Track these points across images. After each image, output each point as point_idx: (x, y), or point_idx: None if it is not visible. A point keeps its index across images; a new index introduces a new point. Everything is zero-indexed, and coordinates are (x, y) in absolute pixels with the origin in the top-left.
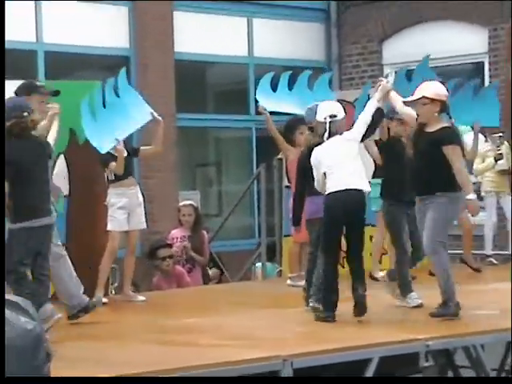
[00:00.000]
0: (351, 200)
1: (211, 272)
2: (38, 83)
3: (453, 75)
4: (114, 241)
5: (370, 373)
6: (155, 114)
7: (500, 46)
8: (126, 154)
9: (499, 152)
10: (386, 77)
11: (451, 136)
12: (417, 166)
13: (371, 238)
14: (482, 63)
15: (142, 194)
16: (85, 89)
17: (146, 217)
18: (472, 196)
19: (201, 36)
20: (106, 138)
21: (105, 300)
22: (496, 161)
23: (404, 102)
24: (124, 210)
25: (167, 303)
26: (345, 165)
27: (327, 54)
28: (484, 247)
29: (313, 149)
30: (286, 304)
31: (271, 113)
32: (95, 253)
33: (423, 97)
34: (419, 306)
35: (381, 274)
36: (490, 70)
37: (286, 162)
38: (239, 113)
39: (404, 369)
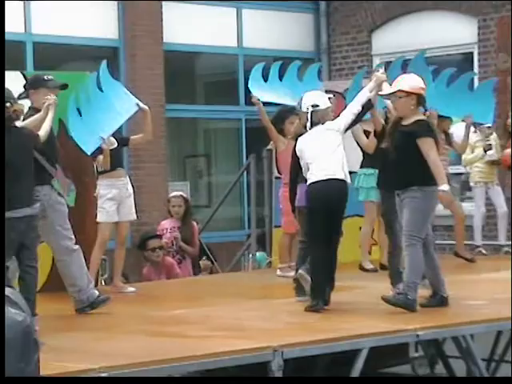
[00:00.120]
0: (331, 190)
1: (202, 263)
2: (45, 77)
3: (442, 65)
4: (104, 232)
5: (359, 363)
6: (141, 105)
7: (489, 37)
8: (115, 144)
9: (488, 143)
10: (378, 70)
11: (425, 129)
12: (392, 160)
13: (360, 228)
14: (472, 53)
15: (132, 185)
16: (74, 80)
17: (135, 208)
18: (445, 187)
19: (190, 27)
20: (91, 138)
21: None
22: (485, 151)
23: (381, 95)
24: (113, 201)
25: (157, 294)
26: (325, 155)
27: (317, 44)
28: (473, 238)
29: None
30: (276, 295)
31: (263, 103)
32: (85, 244)
33: (399, 90)
34: None
35: (370, 266)
36: (479, 60)
37: (275, 152)
38: (229, 103)
39: (394, 359)
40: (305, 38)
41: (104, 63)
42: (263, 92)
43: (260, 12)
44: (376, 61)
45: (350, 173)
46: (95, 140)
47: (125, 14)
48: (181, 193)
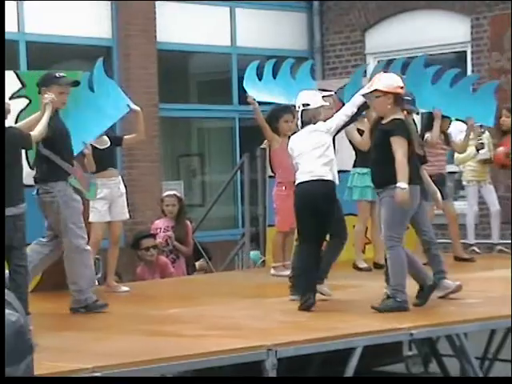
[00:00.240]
0: (316, 191)
1: (198, 263)
2: (57, 74)
3: (435, 64)
4: (96, 232)
5: (354, 362)
6: (132, 106)
7: (483, 36)
8: (108, 143)
9: (480, 142)
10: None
11: (398, 127)
12: (372, 159)
13: (354, 227)
14: (465, 52)
15: (125, 185)
16: None
17: (128, 207)
18: (403, 185)
19: (184, 26)
20: (75, 142)
21: None
22: (477, 150)
23: (362, 95)
24: (105, 200)
25: (151, 294)
26: (311, 155)
27: (310, 43)
28: (466, 236)
29: None
30: (270, 294)
31: (258, 103)
32: None
33: (375, 90)
34: None
35: (364, 264)
36: (472, 59)
37: (269, 151)
38: (222, 103)
39: (388, 358)
40: (298, 37)
41: (100, 61)
42: (258, 91)
43: (253, 11)
44: (369, 60)
45: (344, 171)
46: (78, 145)
47: (118, 14)
48: (174, 192)
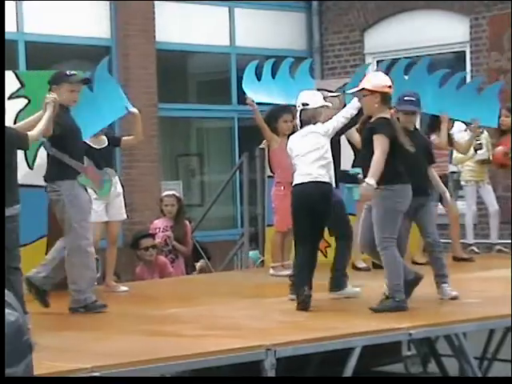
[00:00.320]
0: (312, 192)
1: (198, 264)
2: (68, 72)
3: (434, 64)
4: (94, 232)
5: (352, 361)
6: (131, 109)
7: (482, 36)
8: (105, 143)
9: (479, 142)
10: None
11: (380, 126)
12: (360, 157)
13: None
14: (464, 52)
15: (124, 185)
16: None
17: (126, 207)
18: (371, 181)
19: (183, 26)
20: None
21: None
22: (476, 150)
23: (352, 94)
24: (101, 200)
25: (150, 294)
26: (307, 156)
27: (309, 43)
28: (465, 236)
29: None
30: (268, 294)
31: (257, 103)
32: None
33: (363, 89)
34: None
35: (363, 264)
36: (471, 59)
37: (268, 151)
38: (221, 103)
39: (387, 358)
40: (297, 37)
41: (105, 60)
42: (257, 92)
43: (252, 11)
44: (368, 60)
45: (343, 171)
46: None
47: (117, 14)
48: (173, 192)
